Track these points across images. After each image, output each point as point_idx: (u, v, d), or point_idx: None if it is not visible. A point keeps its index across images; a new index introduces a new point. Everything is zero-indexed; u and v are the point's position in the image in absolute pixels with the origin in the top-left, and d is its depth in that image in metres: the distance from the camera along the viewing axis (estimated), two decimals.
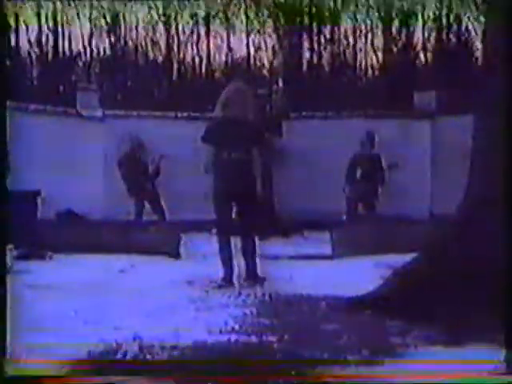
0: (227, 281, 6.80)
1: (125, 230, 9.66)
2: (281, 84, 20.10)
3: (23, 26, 19.67)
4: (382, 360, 4.03)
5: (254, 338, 4.58)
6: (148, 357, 4.15)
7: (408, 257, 5.63)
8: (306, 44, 19.90)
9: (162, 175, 12.68)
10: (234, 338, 4.57)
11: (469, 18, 19.45)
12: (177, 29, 20.36)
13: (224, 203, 7.01)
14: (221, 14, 20.27)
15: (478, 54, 18.14)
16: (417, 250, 5.68)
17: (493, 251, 5.03)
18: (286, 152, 13.43)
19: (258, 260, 7.07)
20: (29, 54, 20.07)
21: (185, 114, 14.20)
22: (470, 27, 19.45)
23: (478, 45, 18.43)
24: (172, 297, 6.07)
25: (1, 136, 4.68)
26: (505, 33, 5.42)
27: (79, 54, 20.61)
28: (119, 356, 4.16)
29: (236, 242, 7.07)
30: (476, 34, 18.97)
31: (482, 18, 17.46)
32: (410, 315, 4.86)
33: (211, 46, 20.27)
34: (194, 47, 20.37)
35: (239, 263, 7.02)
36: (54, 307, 5.52)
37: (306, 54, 19.94)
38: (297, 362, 4.03)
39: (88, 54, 20.50)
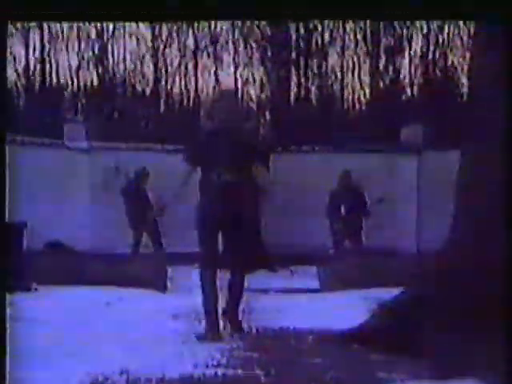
0: (213, 333, 5.77)
1: (112, 263, 9.65)
2: (268, 117, 20.22)
3: (10, 57, 19.71)
4: None
5: (240, 372, 4.58)
6: None
7: (395, 291, 5.66)
8: (293, 78, 20.02)
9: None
10: (220, 371, 4.56)
11: (455, 54, 19.69)
12: (165, 61, 20.48)
13: (210, 233, 5.90)
14: (209, 48, 20.41)
15: (464, 89, 18.35)
16: (404, 284, 5.71)
17: (481, 285, 5.07)
18: (273, 185, 13.46)
19: (244, 298, 6.25)
20: (16, 84, 20.10)
21: (172, 147, 14.24)
22: (456, 63, 19.68)
23: (465, 81, 18.65)
24: (159, 330, 6.07)
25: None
26: (491, 69, 5.50)
27: (66, 85, 20.65)
28: None
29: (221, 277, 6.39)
30: (462, 70, 19.20)
31: (467, 55, 17.70)
32: (398, 349, 4.88)
33: (199, 78, 20.39)
34: (182, 80, 20.49)
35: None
36: (39, 340, 5.50)
37: (294, 88, 20.07)
38: None
39: (75, 86, 20.56)
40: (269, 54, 20.04)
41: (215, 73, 20.43)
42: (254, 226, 6.05)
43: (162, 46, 20.38)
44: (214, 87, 19.89)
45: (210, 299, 5.87)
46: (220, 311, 5.99)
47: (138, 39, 20.56)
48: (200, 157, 5.93)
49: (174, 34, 20.40)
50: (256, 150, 6.12)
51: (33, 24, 19.93)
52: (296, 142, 15.21)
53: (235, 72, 20.44)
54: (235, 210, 5.88)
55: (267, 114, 20.24)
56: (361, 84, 20.15)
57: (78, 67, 20.48)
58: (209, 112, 6.10)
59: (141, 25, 20.44)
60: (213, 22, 20.17)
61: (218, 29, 20.45)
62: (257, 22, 20.16)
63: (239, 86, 20.20)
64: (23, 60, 20.10)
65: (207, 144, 5.93)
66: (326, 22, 19.78)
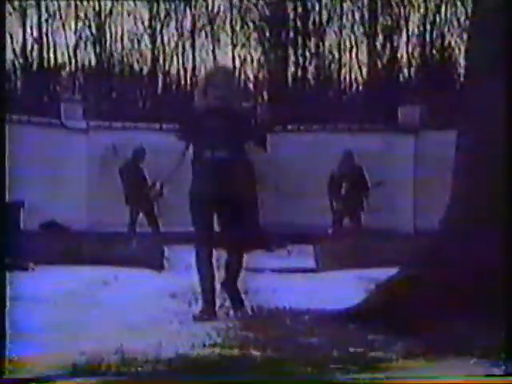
0: (209, 312, 5.73)
1: (109, 242, 9.63)
2: (266, 97, 20.16)
3: (7, 36, 19.64)
4: (365, 373, 4.03)
5: (237, 352, 4.56)
6: (131, 370, 4.12)
7: (391, 270, 5.64)
8: (291, 58, 19.96)
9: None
10: (217, 351, 4.55)
11: (452, 34, 19.63)
12: (162, 41, 20.41)
13: (205, 212, 5.72)
14: (207, 27, 20.33)
15: (461, 70, 18.30)
16: (400, 264, 5.69)
17: (476, 265, 5.06)
18: (271, 165, 13.43)
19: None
20: (13, 63, 20.05)
21: (169, 126, 14.16)
22: (453, 43, 19.64)
23: (461, 61, 18.59)
24: (155, 309, 6.04)
25: None
26: (487, 49, 5.47)
27: (64, 64, 20.58)
28: (102, 369, 4.13)
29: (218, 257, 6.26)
30: (459, 50, 19.15)
31: (464, 35, 17.64)
32: (394, 329, 4.86)
33: (196, 58, 20.31)
34: (180, 60, 20.42)
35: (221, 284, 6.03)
36: (36, 319, 5.48)
37: (291, 68, 20.01)
38: (279, 375, 4.02)
39: (73, 65, 20.50)
40: (266, 33, 19.95)
41: (213, 52, 20.34)
42: (250, 204, 5.79)
43: (159, 26, 20.27)
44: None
45: (206, 279, 5.81)
46: (217, 290, 5.91)
47: (135, 18, 20.47)
48: (193, 133, 5.74)
49: (172, 14, 20.29)
50: (250, 127, 5.91)
51: (30, 2, 19.85)
52: (294, 121, 15.15)
53: (233, 52, 20.35)
54: (229, 187, 5.66)
55: (265, 93, 20.18)
56: (358, 64, 20.10)
57: (76, 46, 20.38)
58: (203, 88, 5.78)
59: (138, 3, 20.36)
60: (210, 1, 20.11)
61: (216, 8, 20.34)
62: (255, 1, 20.08)
63: (237, 65, 20.11)
64: (21, 39, 20.00)
65: (200, 120, 5.70)
66: (324, 1, 19.74)
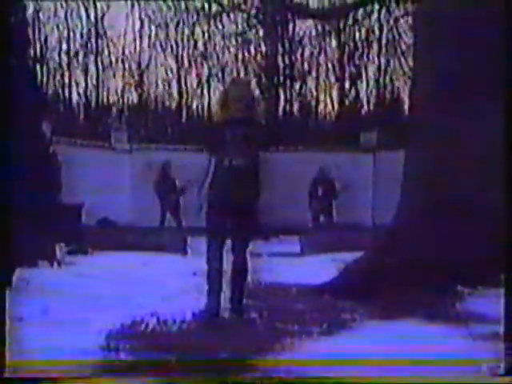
0: (212, 315, 4.41)
1: (146, 234, 9.61)
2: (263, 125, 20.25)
3: (73, 83, 20.13)
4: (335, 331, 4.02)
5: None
6: (163, 329, 4.11)
7: (357, 254, 5.62)
8: (281, 96, 20.11)
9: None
10: (226, 314, 4.53)
11: (399, 80, 19.83)
12: (186, 84, 20.56)
13: (220, 211, 4.60)
14: (219, 74, 20.50)
15: (406, 106, 18.43)
16: (363, 249, 5.68)
17: (416, 248, 5.09)
18: (267, 175, 13.36)
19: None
20: (77, 103, 20.32)
21: (191, 147, 14.18)
22: (401, 86, 19.83)
23: (406, 99, 18.71)
24: (181, 284, 6.02)
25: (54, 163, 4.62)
26: (425, 93, 5.52)
27: (114, 103, 20.72)
28: (142, 328, 4.12)
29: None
30: (404, 90, 19.34)
31: (408, 81, 17.79)
32: (357, 298, 4.84)
33: (211, 97, 20.44)
34: (199, 98, 20.55)
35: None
36: (93, 290, 5.47)
37: (282, 103, 20.14)
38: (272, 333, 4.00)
39: (120, 103, 20.65)
40: (263, 78, 20.07)
41: None
42: (254, 204, 4.92)
43: (183, 73, 20.43)
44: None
45: (215, 271, 4.56)
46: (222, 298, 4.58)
47: (166, 69, 20.65)
48: (211, 145, 4.58)
49: (193, 64, 20.47)
50: (265, 135, 5.03)
51: (91, 59, 20.15)
52: (283, 143, 15.14)
53: None
54: (241, 190, 4.58)
55: (262, 122, 20.25)
56: (331, 101, 20.19)
57: (123, 89, 20.54)
58: (222, 103, 4.61)
59: (168, 58, 20.54)
60: (221, 55, 20.23)
61: (225, 60, 20.50)
62: (254, 56, 20.23)
63: None
64: (83, 84, 20.20)
65: (218, 133, 4.54)
66: (305, 55, 19.92)
